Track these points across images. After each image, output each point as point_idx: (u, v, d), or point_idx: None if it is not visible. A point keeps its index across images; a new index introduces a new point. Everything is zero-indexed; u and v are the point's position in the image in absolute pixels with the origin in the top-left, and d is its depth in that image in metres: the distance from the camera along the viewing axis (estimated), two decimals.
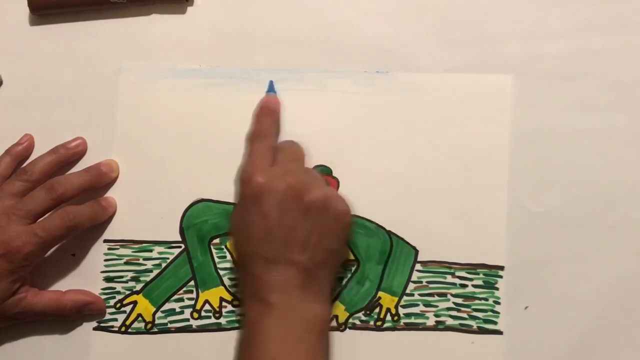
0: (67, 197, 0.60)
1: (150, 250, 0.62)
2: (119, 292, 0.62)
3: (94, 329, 0.61)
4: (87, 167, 0.63)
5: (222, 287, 0.61)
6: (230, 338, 0.60)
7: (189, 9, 0.65)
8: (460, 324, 0.60)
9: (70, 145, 0.63)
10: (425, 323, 0.60)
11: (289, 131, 0.62)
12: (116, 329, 0.61)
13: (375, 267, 0.61)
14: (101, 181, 0.62)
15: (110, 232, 0.62)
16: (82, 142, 0.64)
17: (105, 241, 0.62)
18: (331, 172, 0.62)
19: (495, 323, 0.59)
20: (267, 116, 0.61)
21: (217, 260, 0.62)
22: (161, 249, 0.62)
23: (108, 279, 0.62)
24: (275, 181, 0.55)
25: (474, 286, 0.60)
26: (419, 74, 0.62)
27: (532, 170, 0.61)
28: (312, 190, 0.55)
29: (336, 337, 0.60)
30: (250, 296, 0.54)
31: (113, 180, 0.63)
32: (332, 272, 0.57)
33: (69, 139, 0.64)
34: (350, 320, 0.60)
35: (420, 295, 0.60)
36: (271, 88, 0.63)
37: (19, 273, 0.58)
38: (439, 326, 0.60)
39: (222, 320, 0.61)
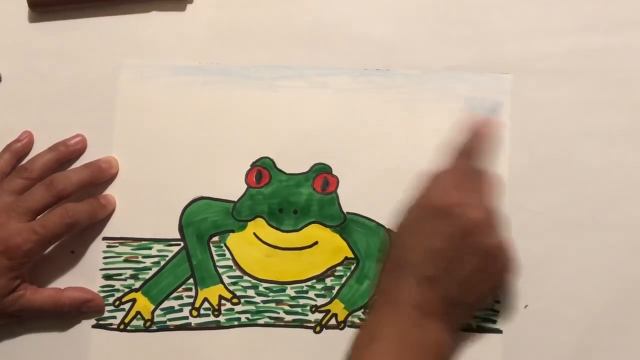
0: (67, 193, 0.60)
1: (150, 248, 0.62)
2: (117, 290, 0.62)
3: (93, 326, 0.61)
4: (87, 163, 0.62)
5: (221, 285, 0.61)
6: (230, 336, 0.60)
7: (189, 6, 0.65)
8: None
9: (70, 142, 0.63)
10: None
11: (288, 128, 0.62)
12: (115, 326, 0.61)
13: (374, 266, 0.61)
14: (101, 177, 0.62)
15: (109, 230, 0.62)
16: (82, 140, 0.64)
17: (104, 239, 0.62)
18: (331, 170, 0.62)
19: (494, 322, 0.59)
20: (483, 137, 0.59)
21: (216, 258, 0.62)
22: (160, 246, 0.62)
23: (107, 277, 0.62)
24: (463, 208, 0.54)
25: None
26: (418, 72, 0.62)
27: (531, 169, 0.61)
28: (494, 233, 0.55)
29: (335, 335, 0.60)
30: (388, 296, 0.54)
31: (113, 177, 0.63)
32: (473, 312, 0.58)
33: (69, 136, 0.63)
34: (350, 319, 0.60)
35: None
36: (495, 109, 0.61)
37: (18, 270, 0.58)
38: None
39: (221, 318, 0.61)
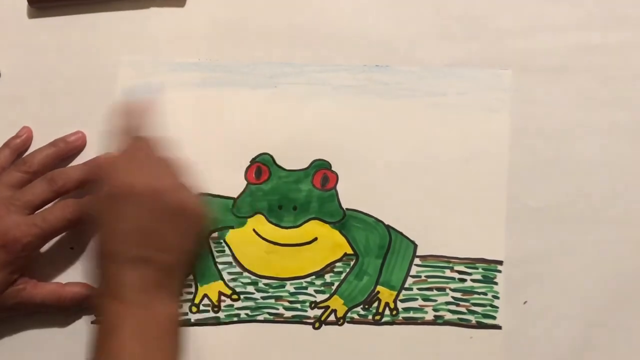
0: (67, 190, 0.60)
1: None
2: None
3: (93, 322, 0.61)
4: (87, 161, 0.62)
5: (221, 282, 0.61)
6: (229, 332, 0.60)
7: (188, 2, 0.65)
8: (459, 319, 0.60)
9: (69, 139, 0.63)
10: (423, 317, 0.60)
11: (287, 125, 0.62)
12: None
13: (374, 262, 0.61)
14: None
15: None
16: (81, 136, 0.64)
17: None
18: (330, 166, 0.62)
19: (494, 318, 0.59)
20: (135, 115, 0.60)
21: (215, 254, 0.62)
22: None
23: None
24: (132, 184, 0.55)
25: (473, 281, 0.60)
26: (418, 68, 0.63)
27: (531, 165, 0.61)
28: (170, 193, 0.56)
29: (334, 331, 0.60)
30: (108, 294, 0.54)
31: None
32: (185, 271, 0.58)
33: (68, 132, 0.63)
34: (349, 315, 0.60)
35: (419, 289, 0.60)
36: (143, 90, 0.62)
37: (16, 264, 0.58)
38: (437, 321, 0.60)
39: (221, 315, 0.61)
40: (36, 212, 0.59)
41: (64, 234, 0.60)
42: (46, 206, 0.60)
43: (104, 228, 0.55)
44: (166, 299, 0.55)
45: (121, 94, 0.63)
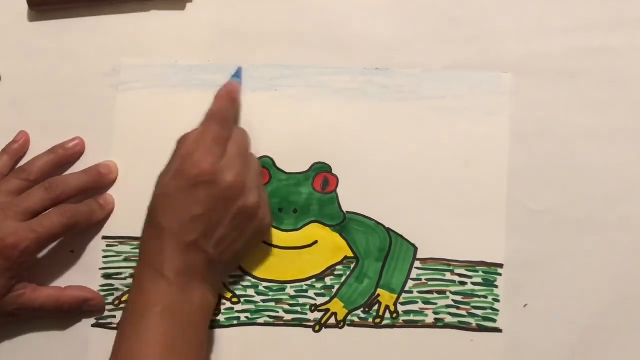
0: (65, 197, 0.60)
1: None
2: (117, 289, 0.62)
3: (93, 325, 0.61)
4: (86, 169, 0.62)
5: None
6: (229, 335, 0.60)
7: (188, 5, 0.65)
8: (460, 322, 0.60)
9: (68, 145, 0.63)
10: (424, 320, 0.60)
11: (288, 128, 0.62)
12: (114, 326, 0.61)
13: (374, 264, 0.61)
14: (100, 182, 0.62)
15: (109, 229, 0.62)
16: (80, 142, 0.64)
17: (104, 238, 0.62)
18: (330, 169, 0.62)
19: (494, 321, 0.59)
20: (229, 101, 0.61)
21: None
22: None
23: (106, 276, 0.62)
24: (218, 174, 0.56)
25: (473, 284, 0.60)
26: (418, 71, 0.62)
27: (531, 168, 0.61)
28: (248, 195, 0.57)
29: (335, 334, 0.60)
30: (153, 267, 0.55)
31: (112, 182, 0.63)
32: (231, 269, 0.60)
33: (68, 136, 0.63)
34: (349, 318, 0.60)
35: (419, 292, 0.60)
36: (237, 74, 0.63)
37: (15, 270, 0.58)
38: (438, 324, 0.60)
39: (221, 318, 0.61)
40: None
41: (63, 238, 0.60)
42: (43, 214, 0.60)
43: (174, 205, 0.56)
44: (202, 290, 0.56)
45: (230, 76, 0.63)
